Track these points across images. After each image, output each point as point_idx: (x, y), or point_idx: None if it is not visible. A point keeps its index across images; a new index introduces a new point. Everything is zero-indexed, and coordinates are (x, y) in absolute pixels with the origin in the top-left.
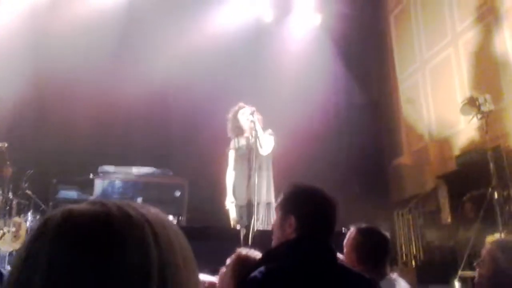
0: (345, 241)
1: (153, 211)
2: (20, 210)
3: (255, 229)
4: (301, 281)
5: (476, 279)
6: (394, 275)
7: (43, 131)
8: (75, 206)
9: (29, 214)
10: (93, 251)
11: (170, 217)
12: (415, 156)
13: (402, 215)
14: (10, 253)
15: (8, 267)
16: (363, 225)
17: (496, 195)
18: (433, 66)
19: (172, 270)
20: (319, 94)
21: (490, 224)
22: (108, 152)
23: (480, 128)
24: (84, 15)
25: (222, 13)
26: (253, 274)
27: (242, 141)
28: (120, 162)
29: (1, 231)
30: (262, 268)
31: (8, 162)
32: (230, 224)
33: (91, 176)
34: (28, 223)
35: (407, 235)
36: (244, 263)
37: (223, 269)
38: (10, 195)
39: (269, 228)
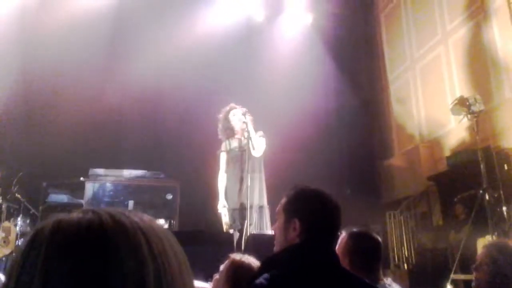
0: (336, 246)
1: (145, 218)
2: (10, 215)
3: (248, 233)
4: (308, 287)
5: (473, 283)
6: (389, 280)
7: (33, 134)
8: (66, 216)
9: (19, 218)
10: (89, 261)
11: (162, 221)
12: (406, 156)
13: (394, 216)
14: (0, 259)
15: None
16: (355, 229)
17: (487, 197)
18: (423, 65)
19: (167, 278)
20: (310, 94)
21: (481, 226)
22: (99, 155)
23: (470, 128)
24: (74, 14)
25: (212, 13)
26: (258, 281)
27: (234, 143)
28: (111, 165)
29: None
30: (266, 275)
31: None
32: (222, 228)
33: (81, 179)
34: (18, 228)
35: (398, 237)
36: (238, 269)
37: (217, 275)
38: (0, 199)
39: (262, 231)
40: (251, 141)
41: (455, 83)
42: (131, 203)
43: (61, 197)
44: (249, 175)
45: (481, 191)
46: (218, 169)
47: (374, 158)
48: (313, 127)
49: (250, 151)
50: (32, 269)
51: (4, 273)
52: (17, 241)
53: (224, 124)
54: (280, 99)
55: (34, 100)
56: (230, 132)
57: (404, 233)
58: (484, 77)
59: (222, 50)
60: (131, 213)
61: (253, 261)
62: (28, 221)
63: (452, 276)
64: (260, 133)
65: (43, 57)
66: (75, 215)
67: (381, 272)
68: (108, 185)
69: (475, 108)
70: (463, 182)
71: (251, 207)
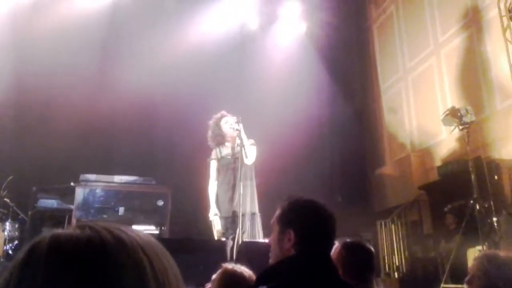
0: None
1: (142, 235)
2: None
3: (241, 241)
4: None
5: None
6: None
7: (23, 138)
8: (62, 232)
9: (7, 223)
10: (91, 280)
11: (152, 227)
12: (397, 166)
13: (385, 224)
14: None
15: None
16: (348, 240)
17: (477, 207)
18: (415, 76)
19: None
20: (302, 102)
21: (471, 236)
22: (90, 161)
23: (461, 139)
24: (67, 20)
25: (206, 21)
26: None
27: (225, 151)
28: (102, 171)
29: None
30: (264, 287)
31: None
32: (214, 236)
33: (72, 184)
34: (6, 233)
35: (389, 245)
36: (231, 278)
37: (209, 285)
38: None
39: (255, 239)
40: (244, 149)
41: (446, 93)
42: (121, 209)
43: (51, 202)
44: (241, 183)
45: (471, 201)
46: (208, 177)
47: (365, 167)
48: (306, 135)
49: (242, 159)
50: None
51: None
52: (5, 247)
53: (215, 131)
54: (273, 107)
55: (25, 104)
56: (221, 139)
57: (395, 242)
58: (475, 88)
59: (215, 57)
60: (128, 229)
61: (245, 270)
62: (16, 225)
63: (443, 285)
64: (251, 141)
65: (35, 62)
66: (72, 231)
67: (374, 282)
68: (99, 191)
69: (467, 119)
70: (453, 192)
71: (243, 214)
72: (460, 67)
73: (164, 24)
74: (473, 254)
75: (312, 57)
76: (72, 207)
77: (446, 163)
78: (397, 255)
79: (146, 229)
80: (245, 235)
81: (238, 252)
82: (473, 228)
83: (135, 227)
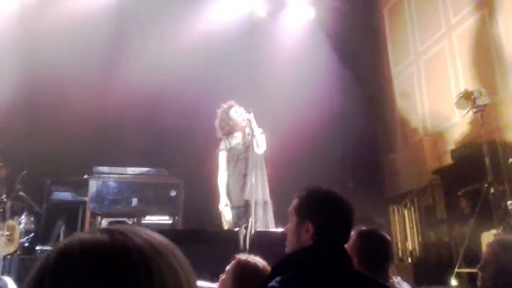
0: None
1: (157, 237)
2: (14, 213)
3: (254, 230)
4: None
5: (479, 283)
6: (398, 279)
7: (36, 132)
8: (83, 237)
9: (23, 216)
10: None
11: (166, 217)
12: (410, 150)
13: (398, 210)
14: (5, 257)
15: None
16: (363, 228)
17: (492, 190)
18: (427, 59)
19: None
20: (313, 89)
21: (485, 220)
22: (102, 153)
23: (474, 122)
24: (76, 14)
25: (214, 9)
26: (270, 284)
27: (234, 141)
28: (115, 163)
29: None
30: (279, 278)
31: (1, 164)
32: (223, 226)
33: (85, 177)
34: (22, 226)
35: (402, 230)
36: (245, 269)
37: (223, 276)
38: (4, 197)
39: (267, 228)
40: (255, 139)
41: (459, 76)
42: (135, 200)
43: (65, 195)
44: (253, 172)
45: (485, 185)
46: (218, 168)
47: (378, 152)
48: (317, 121)
49: (253, 148)
50: None
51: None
52: (21, 239)
53: (225, 121)
54: (283, 94)
55: (38, 98)
56: (230, 128)
57: (408, 227)
58: (488, 70)
59: (224, 46)
60: (143, 232)
61: (259, 261)
62: (32, 219)
63: (457, 270)
64: (260, 130)
65: (46, 56)
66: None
67: (390, 271)
68: (112, 183)
69: (480, 101)
70: (467, 175)
71: (256, 203)
72: (472, 49)
73: (172, 15)
74: (487, 238)
75: (322, 43)
76: (86, 199)
77: (460, 146)
78: (410, 240)
79: (159, 219)
80: (258, 224)
81: (251, 242)
82: (487, 212)
83: (148, 217)
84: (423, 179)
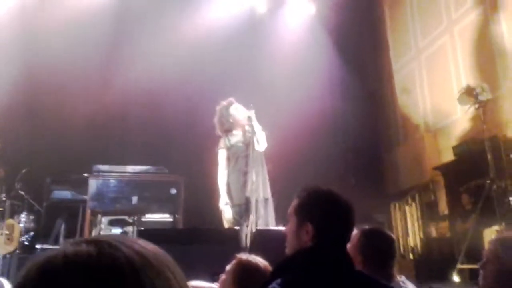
0: (348, 244)
1: (151, 248)
2: (13, 212)
3: (255, 228)
4: None
5: (480, 281)
6: (402, 278)
7: (36, 130)
8: (67, 249)
9: (23, 215)
10: None
11: (166, 215)
12: (411, 146)
13: (399, 207)
14: (4, 256)
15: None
16: (367, 227)
17: (494, 186)
18: (428, 54)
19: None
20: (314, 85)
21: (488, 216)
22: (102, 151)
23: (476, 118)
24: (76, 11)
25: (214, 5)
26: (271, 286)
27: (234, 139)
28: (114, 161)
29: None
30: (279, 280)
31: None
32: (226, 225)
33: (85, 175)
34: (22, 225)
35: (404, 227)
36: (245, 269)
37: (223, 276)
38: (3, 196)
39: (268, 226)
40: (256, 136)
41: (460, 72)
42: (135, 198)
43: (65, 193)
44: (254, 170)
45: (488, 181)
46: (217, 166)
47: (379, 148)
48: (318, 117)
49: (254, 145)
50: None
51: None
52: (21, 238)
53: (225, 118)
54: (284, 90)
55: (38, 96)
56: (229, 126)
57: (409, 223)
58: (490, 66)
59: (225, 43)
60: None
61: (260, 261)
62: (32, 217)
63: (458, 266)
64: (260, 127)
65: (46, 53)
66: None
67: (394, 269)
68: (112, 181)
69: (483, 97)
70: (469, 172)
71: (257, 201)
72: (474, 44)
73: (173, 11)
74: (490, 234)
75: (323, 39)
76: (86, 197)
77: (462, 142)
78: (412, 237)
79: (160, 218)
80: (260, 221)
81: (252, 241)
82: (489, 208)
83: (149, 215)
84: (424, 175)
